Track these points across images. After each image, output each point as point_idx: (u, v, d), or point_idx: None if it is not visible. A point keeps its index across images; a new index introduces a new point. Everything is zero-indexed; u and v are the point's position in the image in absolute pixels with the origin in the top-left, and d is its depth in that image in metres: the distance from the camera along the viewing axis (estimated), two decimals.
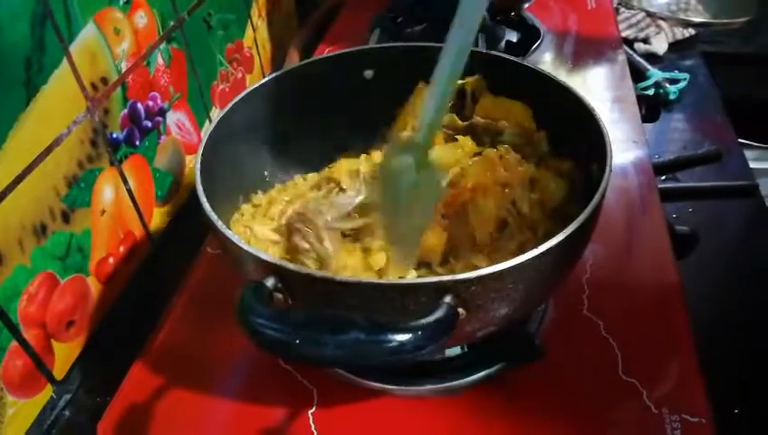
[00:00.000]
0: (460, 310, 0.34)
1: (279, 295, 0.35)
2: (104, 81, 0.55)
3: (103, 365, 0.55)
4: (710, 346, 0.50)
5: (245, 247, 0.37)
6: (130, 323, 0.59)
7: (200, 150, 0.46)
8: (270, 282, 0.35)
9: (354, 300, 0.35)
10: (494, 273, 0.34)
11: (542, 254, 0.35)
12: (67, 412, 0.53)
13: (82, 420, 0.53)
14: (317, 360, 0.32)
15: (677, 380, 0.47)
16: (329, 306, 0.35)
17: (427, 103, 0.42)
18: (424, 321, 0.31)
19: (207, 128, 0.50)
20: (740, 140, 0.90)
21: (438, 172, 0.48)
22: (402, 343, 0.30)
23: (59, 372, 0.52)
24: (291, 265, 0.35)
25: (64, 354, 0.52)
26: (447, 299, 0.33)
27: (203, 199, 0.41)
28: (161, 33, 0.63)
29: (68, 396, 0.53)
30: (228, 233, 0.38)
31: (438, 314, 0.32)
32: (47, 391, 0.51)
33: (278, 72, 0.57)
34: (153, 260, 0.64)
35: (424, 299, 0.34)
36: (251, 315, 0.31)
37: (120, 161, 0.58)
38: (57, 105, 0.49)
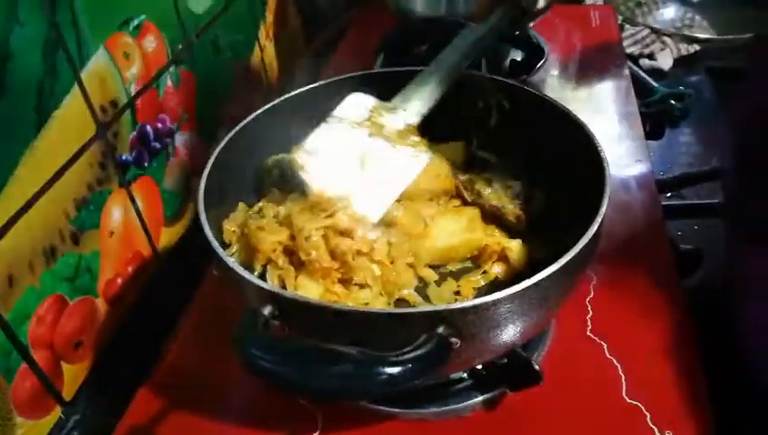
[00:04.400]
0: (454, 339, 0.34)
1: (276, 323, 0.35)
2: (114, 104, 0.56)
3: (111, 386, 0.56)
4: (716, 368, 0.50)
5: (244, 275, 0.37)
6: (138, 343, 0.59)
7: (204, 175, 0.47)
8: (267, 310, 0.35)
9: (349, 329, 0.35)
10: (488, 302, 0.35)
11: (537, 283, 0.36)
12: (75, 433, 0.53)
13: None
14: (308, 391, 0.33)
15: (682, 402, 0.47)
16: (324, 334, 0.36)
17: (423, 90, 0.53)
18: (415, 353, 0.32)
19: (213, 151, 0.50)
20: None
21: (420, 149, 0.53)
22: (393, 376, 0.31)
23: (67, 393, 0.52)
24: (287, 293, 0.36)
25: (73, 375, 0.53)
26: (440, 329, 0.34)
27: (205, 226, 0.42)
28: (170, 57, 0.65)
29: (76, 417, 0.53)
30: (229, 260, 0.39)
31: (430, 346, 0.33)
32: (56, 413, 0.51)
33: (286, 96, 0.58)
34: (161, 280, 0.64)
35: (418, 329, 0.34)
36: (246, 345, 0.32)
37: (129, 183, 0.59)
38: (68, 129, 0.50)
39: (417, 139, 0.54)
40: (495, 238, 0.53)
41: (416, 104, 0.55)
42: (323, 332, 0.36)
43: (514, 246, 0.52)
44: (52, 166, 0.49)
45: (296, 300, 0.36)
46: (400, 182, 0.51)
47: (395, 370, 0.31)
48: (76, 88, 0.51)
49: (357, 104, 0.55)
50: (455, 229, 0.53)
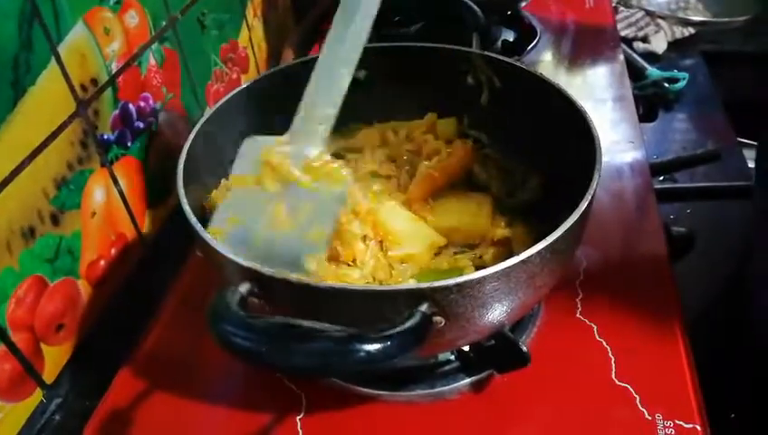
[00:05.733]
0: (438, 318, 0.34)
1: (255, 300, 0.34)
2: (94, 81, 0.54)
3: (94, 369, 0.55)
4: (706, 350, 0.50)
5: (221, 250, 0.36)
6: (122, 326, 0.58)
7: (184, 150, 0.46)
8: (245, 287, 0.34)
9: (330, 306, 0.34)
10: (473, 280, 0.34)
11: (524, 261, 0.35)
12: (57, 417, 0.52)
13: (73, 424, 0.52)
14: (285, 368, 0.32)
15: (672, 385, 0.46)
16: (305, 311, 0.35)
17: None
18: (394, 330, 0.31)
19: (194, 127, 0.49)
20: (739, 140, 0.90)
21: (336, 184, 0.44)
22: (371, 353, 0.30)
23: (49, 376, 0.51)
24: (266, 270, 0.35)
25: (54, 358, 0.52)
26: (423, 307, 0.33)
27: (183, 201, 0.41)
28: (153, 33, 0.63)
29: (58, 400, 0.52)
30: (207, 237, 0.38)
31: (410, 323, 0.32)
32: (37, 396, 0.50)
33: (271, 71, 0.56)
34: (145, 262, 0.63)
35: (401, 306, 0.34)
36: (220, 322, 0.31)
37: (111, 163, 0.57)
38: (45, 106, 0.49)
39: (330, 165, 0.45)
40: (500, 228, 0.52)
41: (322, 110, 0.46)
42: (303, 310, 0.36)
43: (515, 233, 0.51)
44: (29, 143, 0.47)
45: (274, 277, 0.34)
46: (328, 227, 0.44)
47: (373, 347, 0.31)
48: (53, 63, 0.49)
49: (254, 150, 0.47)
50: (460, 210, 0.52)
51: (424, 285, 0.34)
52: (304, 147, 0.45)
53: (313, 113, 0.46)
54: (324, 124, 0.46)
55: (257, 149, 0.46)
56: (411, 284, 0.34)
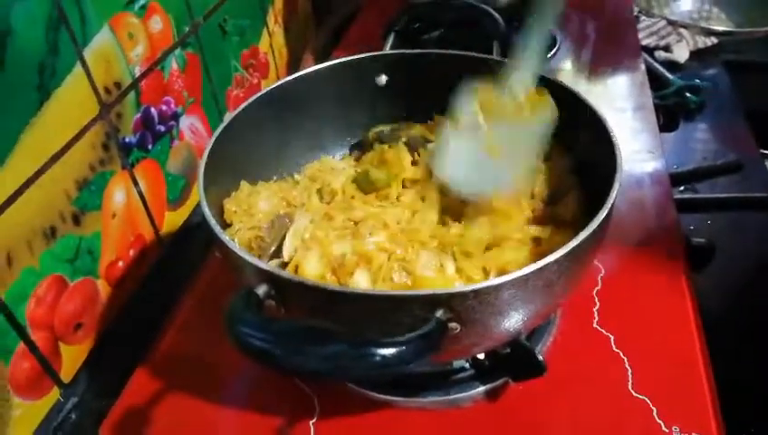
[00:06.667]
0: (453, 324, 0.33)
1: (272, 303, 0.35)
2: (118, 85, 0.55)
3: (111, 369, 0.55)
4: (725, 362, 0.49)
5: (241, 254, 0.37)
6: (140, 326, 0.59)
7: (206, 153, 0.46)
8: (262, 289, 0.34)
9: (345, 311, 0.34)
10: (490, 287, 0.34)
11: (541, 269, 0.34)
12: (74, 415, 0.53)
13: (89, 423, 0.53)
14: (300, 371, 0.32)
15: (690, 397, 0.46)
16: (320, 316, 0.35)
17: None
18: (409, 335, 0.31)
19: (216, 131, 0.49)
20: (762, 151, 0.88)
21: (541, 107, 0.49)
22: (385, 357, 0.30)
23: (66, 374, 0.52)
24: (283, 273, 0.35)
25: (72, 357, 0.52)
26: (439, 313, 0.33)
27: (204, 204, 0.41)
28: (176, 39, 0.64)
29: (75, 399, 0.53)
30: (225, 238, 0.38)
31: (426, 328, 0.32)
32: (54, 394, 0.51)
33: (292, 77, 0.57)
34: (163, 264, 0.64)
35: (417, 312, 0.34)
36: (236, 323, 0.31)
37: (132, 165, 0.58)
38: (70, 109, 0.50)
39: (535, 98, 0.50)
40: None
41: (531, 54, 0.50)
42: (319, 313, 0.36)
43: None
44: (52, 145, 0.48)
45: (292, 280, 0.35)
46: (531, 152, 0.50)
47: (388, 351, 0.31)
48: (79, 67, 0.50)
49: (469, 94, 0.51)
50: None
51: (440, 290, 0.34)
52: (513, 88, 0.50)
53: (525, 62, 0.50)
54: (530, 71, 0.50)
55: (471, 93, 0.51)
56: (427, 290, 0.34)
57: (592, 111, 0.48)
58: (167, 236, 0.65)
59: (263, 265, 0.36)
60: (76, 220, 0.51)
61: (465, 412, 0.46)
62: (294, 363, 0.31)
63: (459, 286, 0.33)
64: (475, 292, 0.33)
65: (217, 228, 0.39)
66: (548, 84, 0.54)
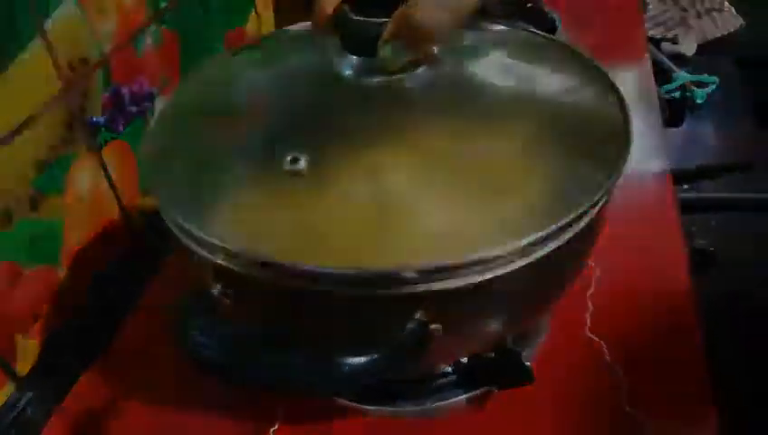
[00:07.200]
0: (434, 326, 0.30)
1: (227, 302, 0.31)
2: (84, 61, 0.52)
3: (70, 362, 0.52)
4: (727, 374, 0.46)
5: (191, 244, 0.33)
6: (102, 319, 0.56)
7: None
8: (216, 289, 0.31)
9: (312, 312, 0.31)
10: (475, 284, 0.30)
11: (531, 264, 0.31)
12: (29, 411, 0.50)
13: (45, 419, 0.50)
14: (257, 384, 0.28)
15: (689, 413, 0.43)
16: (285, 318, 0.31)
17: None
18: (383, 341, 0.27)
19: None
20: None
21: None
22: (355, 369, 0.26)
23: (22, 367, 0.49)
24: (238, 268, 0.30)
25: (28, 349, 0.49)
26: (419, 315, 0.29)
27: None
28: (151, 14, 0.60)
29: (31, 394, 0.50)
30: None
31: (403, 332, 0.28)
32: (8, 388, 0.48)
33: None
34: (131, 253, 0.60)
35: (393, 313, 0.30)
36: (186, 329, 0.27)
37: (100, 147, 0.55)
38: (27, 85, 0.46)
39: None
40: None
41: None
42: (282, 316, 0.32)
43: None
44: (7, 124, 0.45)
45: (242, 274, 0.30)
46: None
47: (359, 361, 0.27)
48: (38, 40, 0.47)
49: None
50: None
51: (420, 288, 0.30)
52: None
53: None
54: None
55: None
56: (405, 288, 0.30)
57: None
58: (138, 223, 0.61)
59: (217, 259, 0.32)
60: (34, 204, 0.48)
61: (445, 423, 0.43)
62: (250, 376, 0.28)
63: (441, 284, 0.29)
64: (459, 290, 0.29)
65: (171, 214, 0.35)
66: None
